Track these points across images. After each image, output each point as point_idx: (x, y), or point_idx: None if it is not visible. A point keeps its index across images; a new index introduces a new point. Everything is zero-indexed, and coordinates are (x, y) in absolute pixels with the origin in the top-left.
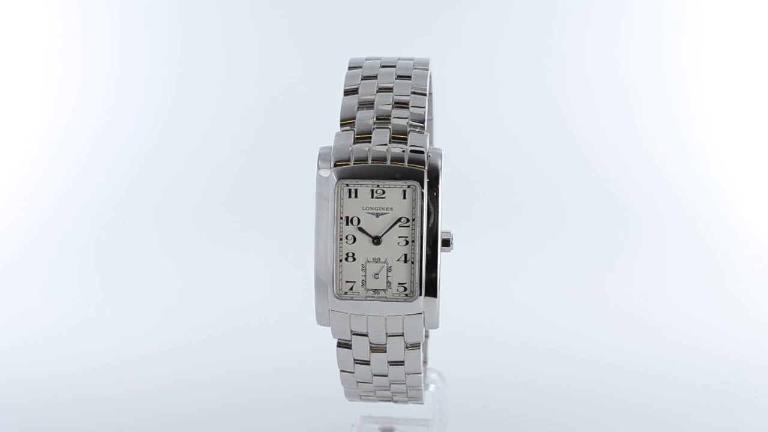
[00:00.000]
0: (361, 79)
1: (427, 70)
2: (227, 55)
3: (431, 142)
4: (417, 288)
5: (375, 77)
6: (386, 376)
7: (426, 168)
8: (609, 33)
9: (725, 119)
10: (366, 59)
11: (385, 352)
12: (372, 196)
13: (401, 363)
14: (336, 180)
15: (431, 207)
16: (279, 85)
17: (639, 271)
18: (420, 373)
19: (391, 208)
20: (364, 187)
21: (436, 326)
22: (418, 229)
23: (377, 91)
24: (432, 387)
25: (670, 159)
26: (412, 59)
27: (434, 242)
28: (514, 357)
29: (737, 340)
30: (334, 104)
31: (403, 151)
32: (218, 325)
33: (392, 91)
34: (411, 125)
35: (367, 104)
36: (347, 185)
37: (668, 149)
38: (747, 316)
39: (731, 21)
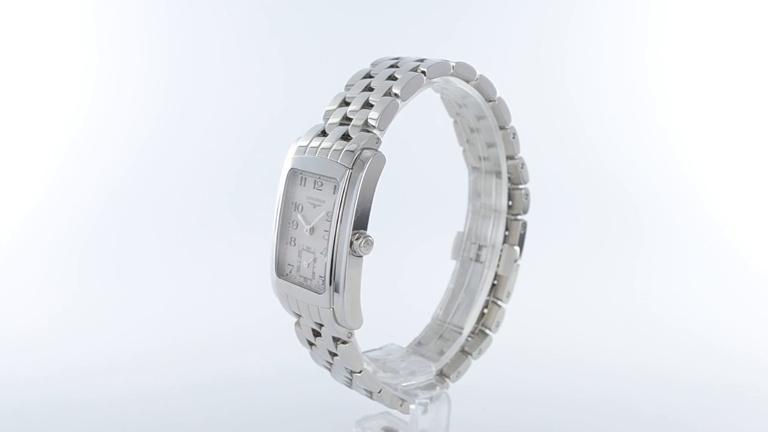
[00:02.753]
0: (361, 78)
1: (425, 74)
2: (236, 57)
3: (517, 150)
4: (327, 282)
5: (373, 77)
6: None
7: (351, 167)
8: (622, 34)
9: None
10: (390, 59)
11: (321, 336)
12: (314, 187)
13: (336, 354)
14: (290, 167)
15: (349, 205)
16: (288, 85)
17: (642, 273)
18: (358, 372)
19: (324, 201)
20: (311, 177)
21: (348, 326)
22: (333, 225)
23: (362, 90)
24: (412, 407)
25: (679, 157)
26: (423, 61)
27: (343, 241)
28: (517, 362)
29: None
30: None
31: (342, 148)
32: (217, 326)
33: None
34: (366, 125)
35: (348, 102)
36: (300, 174)
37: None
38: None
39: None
